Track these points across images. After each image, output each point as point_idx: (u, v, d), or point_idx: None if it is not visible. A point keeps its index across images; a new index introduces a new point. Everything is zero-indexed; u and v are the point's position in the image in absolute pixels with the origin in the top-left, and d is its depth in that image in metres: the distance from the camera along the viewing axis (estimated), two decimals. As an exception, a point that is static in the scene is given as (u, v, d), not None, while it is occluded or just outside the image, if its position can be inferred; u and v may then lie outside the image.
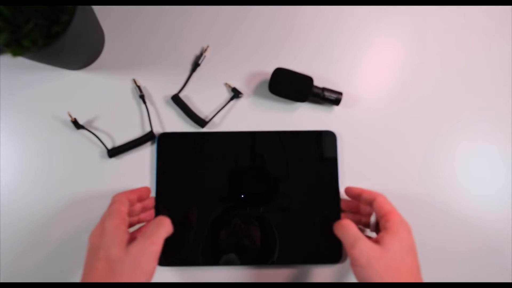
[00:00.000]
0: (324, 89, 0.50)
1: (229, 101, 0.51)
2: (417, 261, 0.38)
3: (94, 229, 0.38)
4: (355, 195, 0.45)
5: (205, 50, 0.52)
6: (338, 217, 0.49)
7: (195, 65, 0.52)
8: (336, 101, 0.50)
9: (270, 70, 0.50)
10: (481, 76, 0.53)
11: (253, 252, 0.48)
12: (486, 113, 0.52)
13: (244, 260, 0.48)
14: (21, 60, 0.44)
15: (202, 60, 0.52)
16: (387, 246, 0.37)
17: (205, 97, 0.52)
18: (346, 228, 0.39)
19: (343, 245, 0.40)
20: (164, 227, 0.39)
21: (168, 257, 0.48)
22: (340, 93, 0.50)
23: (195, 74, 0.52)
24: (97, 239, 0.37)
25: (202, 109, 0.52)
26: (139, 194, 0.44)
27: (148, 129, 0.51)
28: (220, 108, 0.51)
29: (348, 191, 0.47)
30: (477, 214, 0.51)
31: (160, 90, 0.52)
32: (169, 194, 0.49)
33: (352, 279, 0.49)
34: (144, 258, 0.35)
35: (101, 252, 0.36)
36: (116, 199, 0.40)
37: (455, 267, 0.50)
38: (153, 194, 0.49)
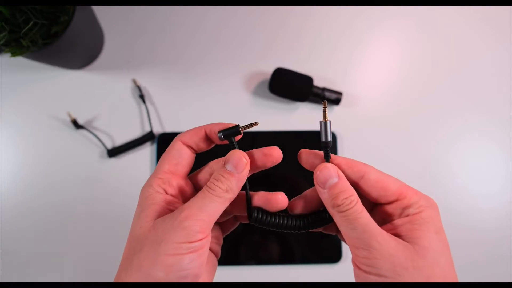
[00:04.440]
0: (324, 89, 0.50)
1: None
2: (451, 256, 0.25)
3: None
4: (312, 163, 0.28)
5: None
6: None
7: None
8: (336, 101, 0.50)
9: (270, 70, 0.50)
10: (483, 75, 0.53)
11: (253, 252, 0.48)
12: (488, 111, 0.52)
13: (243, 260, 0.49)
14: (20, 60, 0.44)
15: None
16: (423, 244, 0.23)
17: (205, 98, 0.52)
18: (354, 215, 0.23)
19: (343, 239, 0.25)
20: (227, 183, 0.25)
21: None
22: (340, 93, 0.50)
23: (193, 73, 0.52)
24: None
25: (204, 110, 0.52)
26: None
27: (148, 129, 0.51)
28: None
29: (305, 156, 0.28)
30: (478, 212, 0.51)
31: (160, 90, 0.52)
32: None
33: (352, 279, 0.49)
34: (171, 238, 0.22)
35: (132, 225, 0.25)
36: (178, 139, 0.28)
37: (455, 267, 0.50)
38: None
